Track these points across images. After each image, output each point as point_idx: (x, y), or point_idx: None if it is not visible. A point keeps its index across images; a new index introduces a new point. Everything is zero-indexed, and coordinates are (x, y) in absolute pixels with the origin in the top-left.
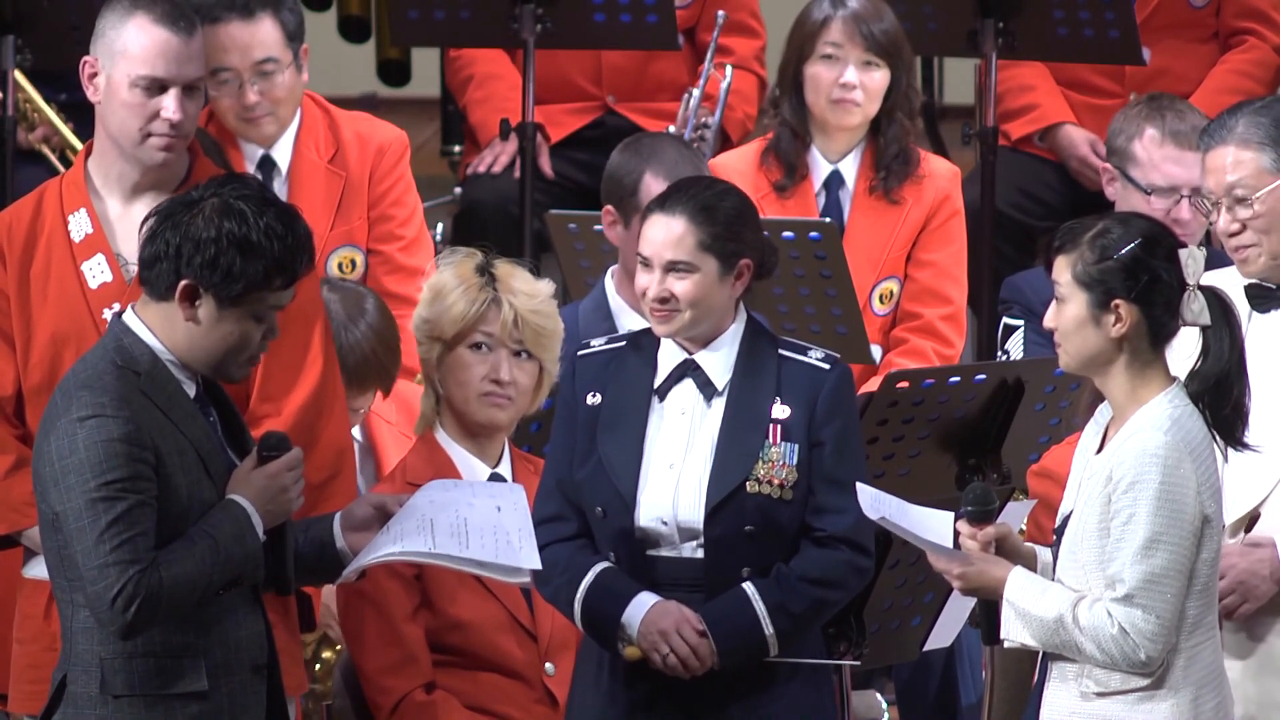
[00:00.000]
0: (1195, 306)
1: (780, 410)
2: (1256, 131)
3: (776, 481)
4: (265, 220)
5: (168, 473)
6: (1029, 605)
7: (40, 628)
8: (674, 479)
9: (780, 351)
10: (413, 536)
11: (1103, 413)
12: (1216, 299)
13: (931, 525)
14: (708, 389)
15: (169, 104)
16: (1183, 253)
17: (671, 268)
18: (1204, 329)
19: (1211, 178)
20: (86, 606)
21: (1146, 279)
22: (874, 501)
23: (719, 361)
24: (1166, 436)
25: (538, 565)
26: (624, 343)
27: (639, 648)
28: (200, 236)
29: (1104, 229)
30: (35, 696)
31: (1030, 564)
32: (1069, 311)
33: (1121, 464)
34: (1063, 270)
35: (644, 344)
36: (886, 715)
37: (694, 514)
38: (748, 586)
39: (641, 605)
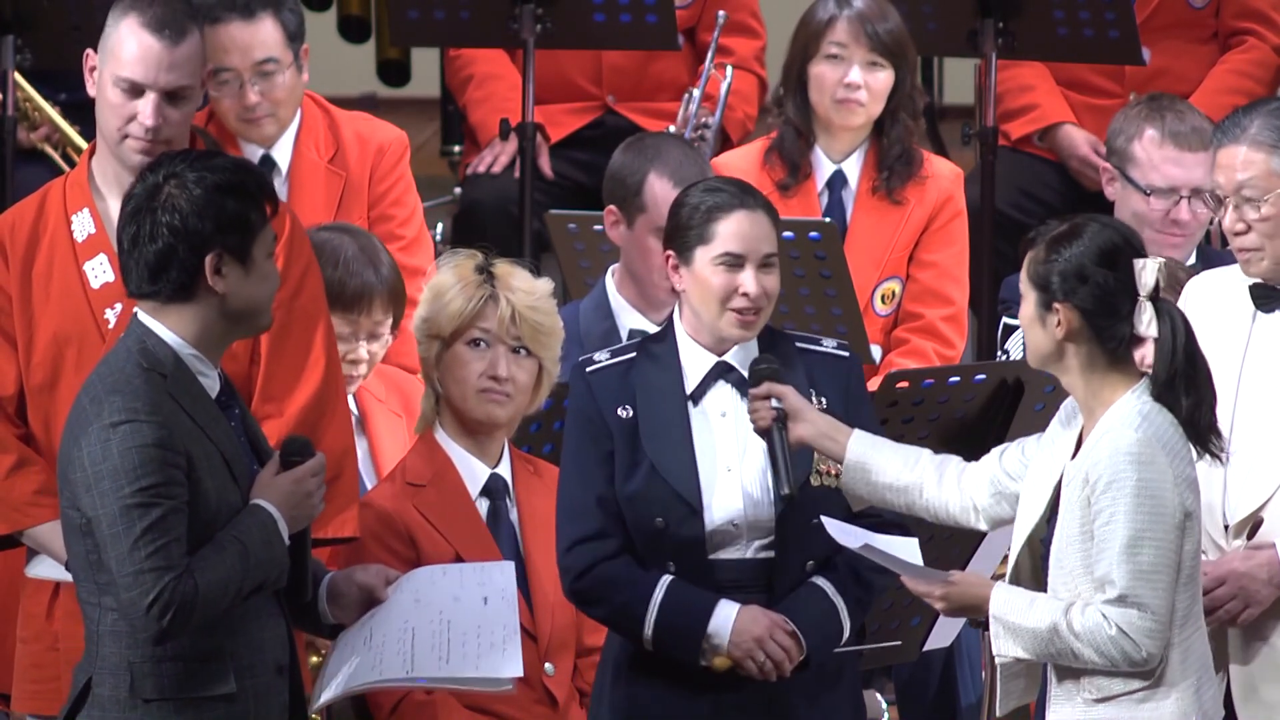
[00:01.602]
0: (1144, 318)
1: (817, 401)
2: (1270, 134)
3: (834, 472)
4: (222, 162)
5: (198, 476)
6: (1018, 619)
7: (43, 627)
8: (737, 480)
9: (797, 345)
10: (392, 659)
11: (1074, 416)
12: (1166, 311)
13: (899, 551)
14: (743, 388)
15: (145, 109)
16: (1137, 263)
17: (765, 262)
18: (1155, 340)
19: (1221, 174)
20: (118, 611)
21: (1085, 285)
22: (842, 532)
23: (749, 360)
24: (1138, 433)
25: (519, 672)
26: (633, 353)
27: (730, 657)
28: (198, 205)
29: (1067, 231)
30: (38, 696)
31: (832, 432)
32: (1024, 308)
33: (1096, 464)
34: (1024, 267)
35: (657, 351)
36: (886, 715)
37: (765, 513)
38: (822, 582)
39: (727, 615)
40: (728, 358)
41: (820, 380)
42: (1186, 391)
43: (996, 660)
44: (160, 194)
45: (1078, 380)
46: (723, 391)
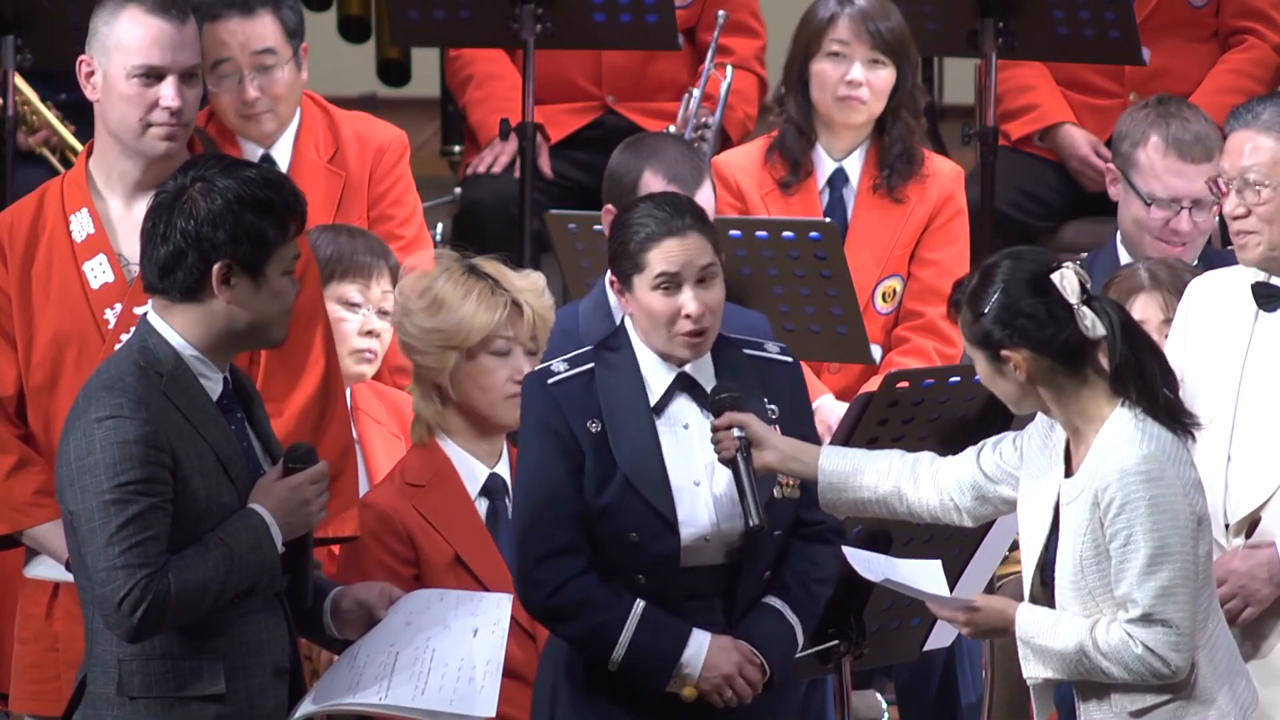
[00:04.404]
0: (1088, 321)
1: (770, 410)
2: None
3: (791, 483)
4: (254, 174)
5: (185, 475)
6: (1045, 640)
7: (41, 627)
8: (706, 495)
9: (745, 352)
10: (369, 681)
11: (1052, 427)
12: (1101, 308)
13: (922, 576)
14: (703, 400)
15: (167, 91)
16: (1054, 277)
17: (702, 276)
18: (1105, 339)
19: (1228, 159)
20: (95, 607)
21: (1020, 322)
22: (865, 563)
23: (706, 370)
24: (1141, 449)
25: (492, 713)
26: (591, 363)
27: (698, 689)
28: (214, 214)
29: (980, 282)
30: (36, 696)
31: (797, 454)
32: (979, 369)
33: (1106, 488)
34: (961, 333)
35: (615, 361)
36: (886, 715)
37: (735, 525)
38: (778, 603)
39: (699, 646)
40: (688, 370)
41: (770, 387)
42: (1138, 375)
43: (1028, 682)
44: (184, 196)
45: (1057, 409)
46: (684, 404)
